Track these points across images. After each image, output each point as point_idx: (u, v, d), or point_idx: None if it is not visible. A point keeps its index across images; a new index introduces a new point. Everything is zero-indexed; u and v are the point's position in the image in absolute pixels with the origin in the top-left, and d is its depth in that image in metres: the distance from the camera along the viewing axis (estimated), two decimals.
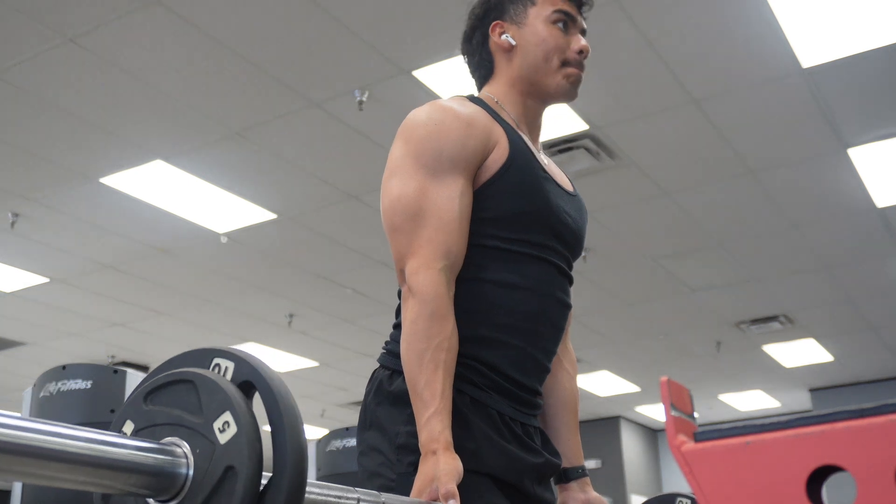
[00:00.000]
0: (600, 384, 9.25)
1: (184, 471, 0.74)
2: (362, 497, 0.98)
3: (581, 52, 1.48)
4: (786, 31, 3.65)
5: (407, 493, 1.23)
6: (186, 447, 0.75)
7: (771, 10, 3.52)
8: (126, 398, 0.83)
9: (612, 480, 10.13)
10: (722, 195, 5.14)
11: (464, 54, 1.57)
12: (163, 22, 3.48)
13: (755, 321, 7.36)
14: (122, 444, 0.73)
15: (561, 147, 4.54)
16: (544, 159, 1.50)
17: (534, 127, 1.52)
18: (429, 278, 1.26)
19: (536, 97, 1.50)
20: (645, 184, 4.97)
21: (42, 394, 3.27)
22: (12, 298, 6.38)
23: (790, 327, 7.51)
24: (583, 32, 1.52)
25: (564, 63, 1.47)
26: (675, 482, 10.67)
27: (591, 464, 10.29)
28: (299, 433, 0.74)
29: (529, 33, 1.47)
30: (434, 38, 3.60)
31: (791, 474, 0.75)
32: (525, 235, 1.37)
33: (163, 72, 3.83)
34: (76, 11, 3.42)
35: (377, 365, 1.39)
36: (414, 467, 1.23)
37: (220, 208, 5.11)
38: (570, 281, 1.47)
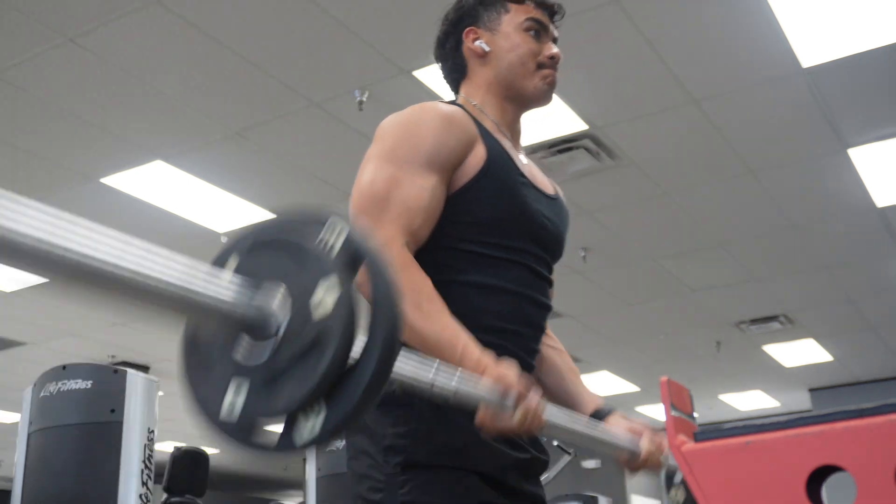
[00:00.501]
0: (600, 384, 9.25)
1: (278, 319, 0.74)
2: (439, 369, 0.99)
3: (553, 58, 1.50)
4: (786, 31, 3.65)
5: (394, 495, 1.24)
6: (285, 296, 0.75)
7: (771, 9, 3.51)
8: (237, 236, 0.82)
9: (612, 480, 10.13)
10: (722, 195, 5.14)
11: (437, 59, 1.60)
12: (163, 22, 3.48)
13: (755, 321, 7.36)
14: (221, 278, 0.73)
15: (561, 147, 4.53)
16: (524, 161, 1.51)
17: (514, 130, 1.54)
18: (393, 251, 1.25)
19: (514, 101, 1.52)
20: (645, 184, 4.97)
21: (42, 394, 3.27)
22: (12, 298, 6.38)
23: (790, 327, 7.51)
24: (554, 41, 1.54)
25: (540, 66, 1.49)
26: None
27: (590, 464, 10.29)
28: (397, 316, 0.74)
29: (503, 39, 1.50)
30: (434, 39, 3.60)
31: (791, 474, 0.75)
32: (503, 240, 1.38)
33: (163, 72, 3.83)
34: (76, 11, 3.41)
35: None
36: (401, 468, 1.25)
37: (220, 208, 5.10)
38: (550, 284, 1.49)
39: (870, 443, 0.74)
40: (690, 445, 0.86)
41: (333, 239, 0.75)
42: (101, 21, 3.48)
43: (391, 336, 0.73)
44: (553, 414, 1.20)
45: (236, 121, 4.23)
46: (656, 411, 10.56)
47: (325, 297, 0.72)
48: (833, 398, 9.35)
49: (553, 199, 1.52)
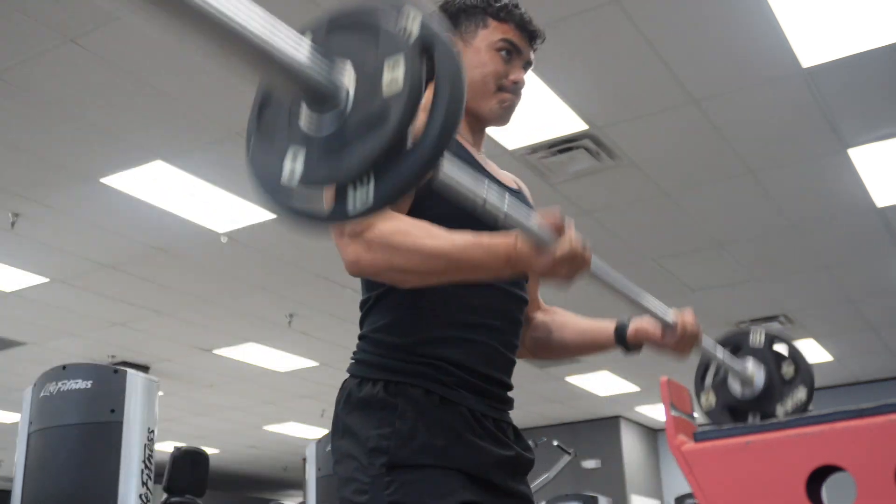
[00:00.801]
0: (600, 384, 9.25)
1: (345, 92, 0.76)
2: (490, 188, 1.03)
3: (516, 83, 1.51)
4: (786, 31, 3.65)
5: (379, 496, 1.24)
6: (353, 74, 0.77)
7: (771, 9, 3.51)
8: (315, 18, 0.84)
9: (612, 480, 10.12)
10: (722, 195, 5.14)
11: None
12: None
13: (755, 321, 7.36)
14: (297, 44, 0.75)
15: (561, 147, 4.53)
16: (487, 162, 1.54)
17: (475, 135, 1.55)
18: (380, 218, 1.26)
19: (471, 116, 1.52)
20: (645, 184, 4.97)
21: (42, 394, 3.27)
22: (12, 298, 6.38)
23: (790, 327, 7.51)
24: (527, 65, 1.54)
25: (500, 88, 1.50)
26: (675, 482, 10.66)
27: (590, 464, 10.28)
28: (459, 97, 0.77)
29: (472, 53, 1.50)
30: None
31: (791, 474, 0.75)
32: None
33: (163, 72, 3.83)
34: (76, 11, 3.41)
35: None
36: (386, 469, 1.25)
37: (220, 208, 5.10)
38: (526, 278, 1.51)
39: (870, 443, 0.74)
40: (691, 445, 0.86)
41: (409, 25, 0.76)
42: (101, 21, 3.47)
43: (452, 114, 0.75)
44: (598, 265, 1.22)
45: (236, 121, 4.23)
46: (656, 411, 10.56)
47: (395, 75, 0.74)
48: (833, 398, 9.33)
49: (515, 193, 1.55)
